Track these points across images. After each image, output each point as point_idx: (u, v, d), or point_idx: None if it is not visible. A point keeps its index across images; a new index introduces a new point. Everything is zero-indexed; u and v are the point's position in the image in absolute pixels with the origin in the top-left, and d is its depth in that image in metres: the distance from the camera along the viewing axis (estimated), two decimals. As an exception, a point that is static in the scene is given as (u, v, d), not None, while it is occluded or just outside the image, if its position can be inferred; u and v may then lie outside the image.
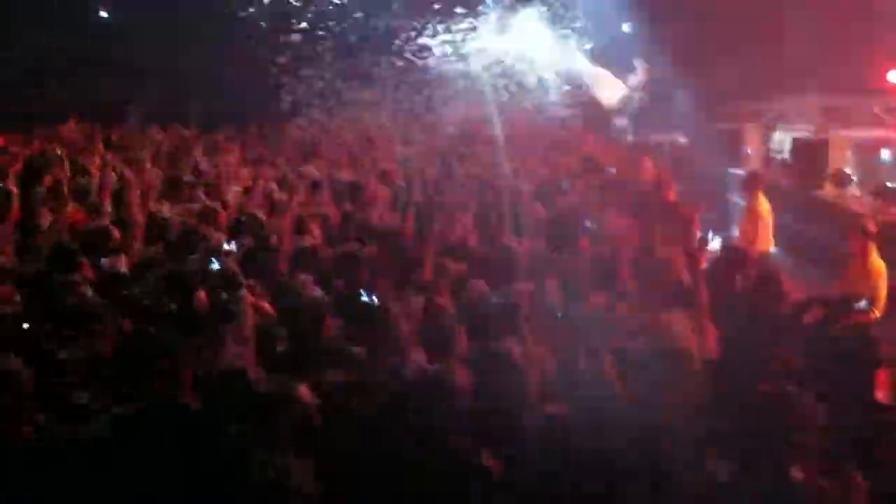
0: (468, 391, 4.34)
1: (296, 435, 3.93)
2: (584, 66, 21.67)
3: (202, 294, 5.61)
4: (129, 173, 9.70)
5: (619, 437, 4.11)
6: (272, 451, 3.83)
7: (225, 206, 9.23)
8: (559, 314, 5.52)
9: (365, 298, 5.38)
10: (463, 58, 21.78)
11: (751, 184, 10.62)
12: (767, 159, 16.45)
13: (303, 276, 6.09)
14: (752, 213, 10.18)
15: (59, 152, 9.78)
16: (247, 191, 10.28)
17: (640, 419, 4.09)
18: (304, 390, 4.05)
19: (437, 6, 21.55)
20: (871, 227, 8.06)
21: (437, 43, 21.89)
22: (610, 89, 21.53)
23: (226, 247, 7.08)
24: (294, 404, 3.96)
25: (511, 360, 4.56)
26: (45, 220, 8.18)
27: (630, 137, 19.77)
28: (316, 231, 8.07)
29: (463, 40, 21.65)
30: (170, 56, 22.60)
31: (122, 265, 6.92)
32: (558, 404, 4.27)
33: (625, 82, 21.43)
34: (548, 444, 3.94)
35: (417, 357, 4.48)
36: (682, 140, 18.80)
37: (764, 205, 10.20)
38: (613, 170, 12.39)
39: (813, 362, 5.02)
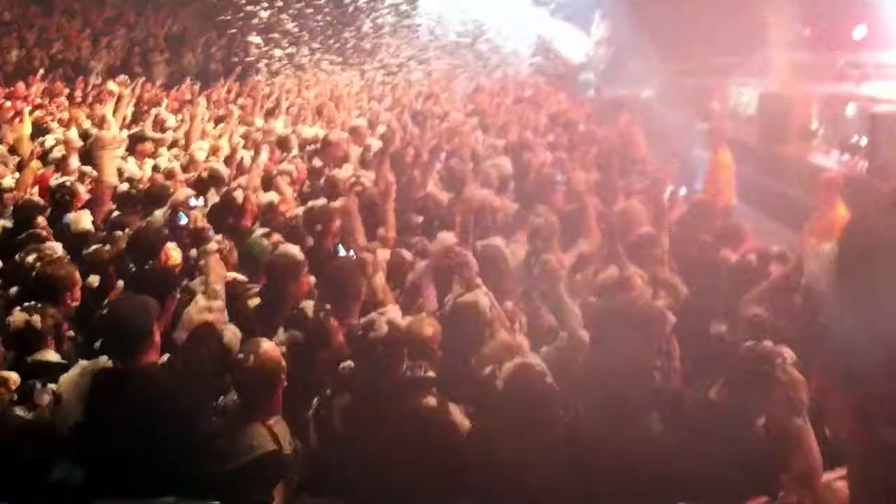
0: (438, 343, 4.39)
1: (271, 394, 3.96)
2: (547, 20, 21.62)
3: (167, 250, 5.59)
4: (94, 130, 9.59)
5: (584, 384, 4.19)
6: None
7: (192, 161, 9.17)
8: (528, 268, 5.53)
9: (340, 253, 5.37)
10: (427, 14, 21.77)
11: (715, 138, 10.72)
12: (734, 114, 16.51)
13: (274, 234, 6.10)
14: (715, 167, 10.27)
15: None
16: (213, 148, 10.18)
17: (606, 370, 4.14)
18: (272, 348, 4.06)
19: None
20: (837, 180, 8.16)
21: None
22: (573, 44, 21.52)
23: (192, 202, 7.02)
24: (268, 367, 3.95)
25: (477, 309, 4.60)
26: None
27: (594, 92, 19.76)
28: (284, 187, 8.02)
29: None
30: (135, 9, 22.37)
31: (87, 223, 6.86)
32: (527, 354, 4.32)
33: (588, 36, 21.41)
34: (515, 395, 3.98)
35: (390, 310, 4.49)
36: (648, 94, 18.82)
37: (727, 158, 10.30)
38: (581, 126, 12.39)
39: (781, 314, 5.09)
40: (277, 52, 21.74)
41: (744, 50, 16.63)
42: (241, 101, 15.24)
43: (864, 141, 12.03)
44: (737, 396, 4.07)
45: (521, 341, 4.70)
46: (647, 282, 5.32)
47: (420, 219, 7.02)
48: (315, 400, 4.35)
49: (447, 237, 5.53)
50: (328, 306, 4.74)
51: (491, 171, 8.04)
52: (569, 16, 21.77)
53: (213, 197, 7.68)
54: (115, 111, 10.00)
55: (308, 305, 4.70)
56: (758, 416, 3.94)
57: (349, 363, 4.36)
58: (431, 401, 4.18)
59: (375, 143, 9.89)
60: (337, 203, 6.45)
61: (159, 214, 6.96)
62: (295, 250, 5.28)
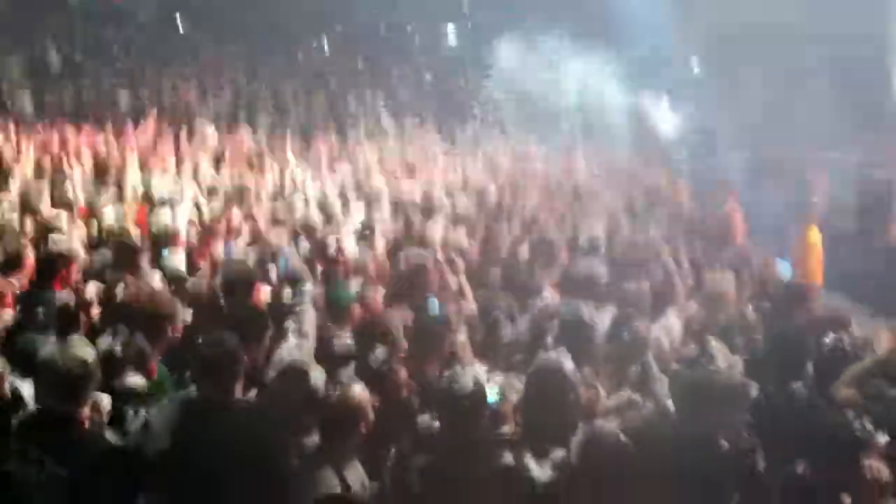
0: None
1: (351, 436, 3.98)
2: (642, 95, 22.02)
3: (263, 291, 5.72)
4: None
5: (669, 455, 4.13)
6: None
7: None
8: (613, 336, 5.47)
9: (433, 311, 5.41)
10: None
11: (806, 218, 10.60)
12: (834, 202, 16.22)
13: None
14: (804, 245, 10.11)
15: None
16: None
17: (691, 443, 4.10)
18: (360, 391, 4.09)
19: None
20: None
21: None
22: (667, 121, 21.75)
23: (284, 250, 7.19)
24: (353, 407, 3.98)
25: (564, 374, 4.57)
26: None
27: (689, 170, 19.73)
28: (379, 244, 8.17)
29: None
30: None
31: (181, 261, 7.08)
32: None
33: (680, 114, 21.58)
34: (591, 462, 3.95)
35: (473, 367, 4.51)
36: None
37: (815, 237, 10.14)
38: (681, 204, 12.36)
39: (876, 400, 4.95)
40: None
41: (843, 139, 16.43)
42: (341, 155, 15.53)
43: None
44: (823, 473, 3.96)
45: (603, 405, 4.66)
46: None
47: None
48: (392, 454, 4.33)
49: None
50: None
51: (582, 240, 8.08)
52: (666, 93, 22.01)
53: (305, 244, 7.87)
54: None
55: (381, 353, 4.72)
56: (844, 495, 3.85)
57: (427, 419, 4.36)
58: (509, 458, 4.14)
59: (464, 203, 10.06)
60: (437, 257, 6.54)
61: (252, 255, 7.14)
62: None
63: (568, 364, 4.68)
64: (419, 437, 4.33)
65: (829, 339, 5.82)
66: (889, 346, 5.30)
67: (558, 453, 4.18)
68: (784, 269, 8.27)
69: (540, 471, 4.13)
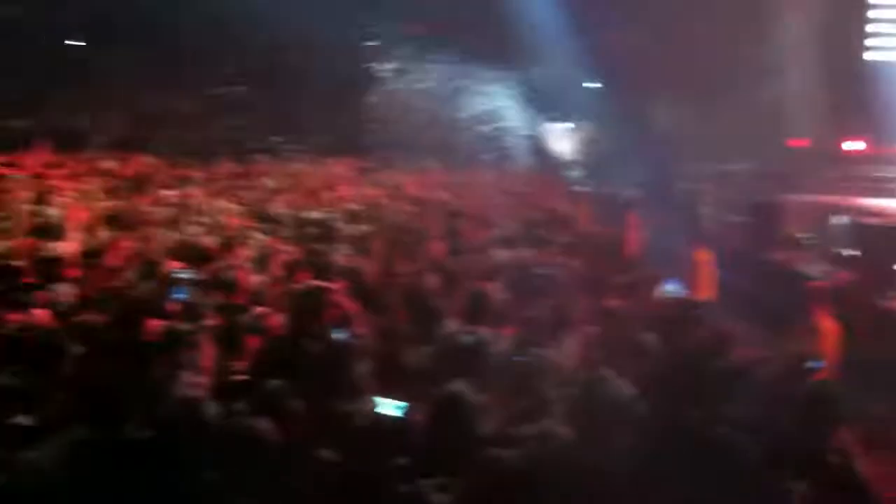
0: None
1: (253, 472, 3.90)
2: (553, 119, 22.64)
3: (156, 323, 5.56)
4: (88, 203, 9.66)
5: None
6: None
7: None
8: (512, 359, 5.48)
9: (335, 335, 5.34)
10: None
11: (694, 237, 10.96)
12: (724, 220, 16.75)
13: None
14: (695, 263, 10.44)
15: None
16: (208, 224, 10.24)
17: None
18: (265, 426, 4.01)
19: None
20: (821, 290, 8.27)
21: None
22: (563, 141, 22.36)
23: (183, 275, 7.03)
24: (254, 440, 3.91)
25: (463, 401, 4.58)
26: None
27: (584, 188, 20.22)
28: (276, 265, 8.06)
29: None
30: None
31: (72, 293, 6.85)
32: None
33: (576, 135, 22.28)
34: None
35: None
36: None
37: (706, 255, 10.49)
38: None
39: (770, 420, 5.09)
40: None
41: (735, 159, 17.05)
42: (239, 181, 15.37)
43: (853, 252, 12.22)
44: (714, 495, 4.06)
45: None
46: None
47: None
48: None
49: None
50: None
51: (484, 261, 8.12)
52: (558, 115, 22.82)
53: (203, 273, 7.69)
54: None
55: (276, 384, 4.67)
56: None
57: (328, 453, 4.31)
58: (406, 489, 4.12)
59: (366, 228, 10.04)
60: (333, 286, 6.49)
61: (147, 287, 6.96)
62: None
63: (469, 393, 4.73)
64: (319, 469, 4.28)
65: (722, 359, 6.02)
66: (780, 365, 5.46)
67: (459, 482, 4.18)
68: (677, 290, 8.50)
69: (440, 498, 4.13)
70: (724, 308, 9.96)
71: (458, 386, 4.70)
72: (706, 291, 10.08)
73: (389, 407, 4.65)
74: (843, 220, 14.11)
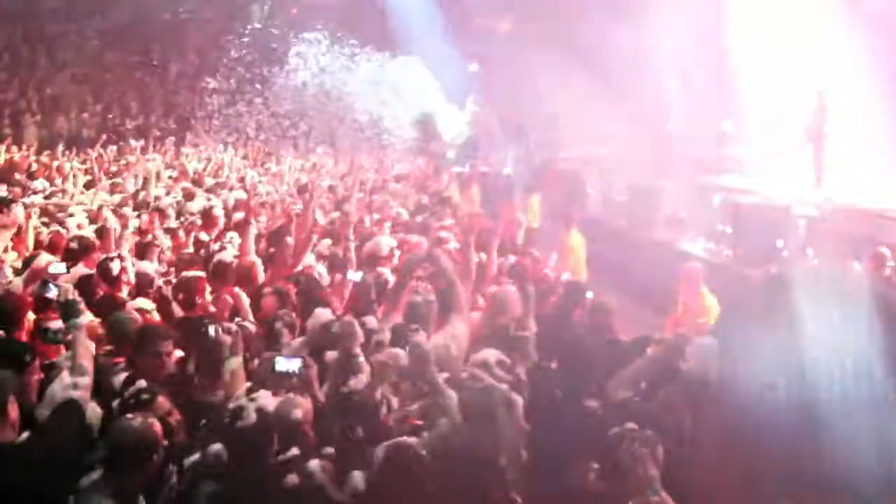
0: (309, 424, 4.37)
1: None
2: (438, 102, 22.76)
3: (30, 321, 5.39)
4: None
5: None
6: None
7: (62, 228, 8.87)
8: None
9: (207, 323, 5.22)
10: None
11: (565, 220, 11.11)
12: (607, 200, 17.12)
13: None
14: (565, 247, 10.60)
15: None
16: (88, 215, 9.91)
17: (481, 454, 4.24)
18: (151, 423, 3.91)
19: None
20: (697, 272, 8.54)
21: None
22: (449, 123, 22.71)
23: (54, 269, 6.80)
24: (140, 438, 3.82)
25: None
26: None
27: (462, 168, 20.43)
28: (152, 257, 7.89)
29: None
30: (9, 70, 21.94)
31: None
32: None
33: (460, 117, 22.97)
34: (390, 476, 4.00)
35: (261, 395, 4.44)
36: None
37: (577, 239, 10.66)
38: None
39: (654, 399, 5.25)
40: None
41: (612, 140, 17.44)
42: (114, 168, 14.91)
43: (728, 229, 12.67)
44: (613, 480, 4.18)
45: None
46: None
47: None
48: (177, 484, 4.23)
49: (323, 313, 5.51)
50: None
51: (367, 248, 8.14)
52: (453, 97, 22.90)
53: (81, 267, 7.44)
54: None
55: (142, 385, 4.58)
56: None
57: (216, 448, 4.24)
58: (294, 479, 4.14)
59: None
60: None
61: (18, 282, 6.70)
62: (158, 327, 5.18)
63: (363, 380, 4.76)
64: (206, 465, 4.22)
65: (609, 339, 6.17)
66: (658, 348, 5.61)
67: (356, 473, 4.20)
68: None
69: (335, 489, 4.13)
70: (607, 287, 10.21)
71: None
72: (578, 275, 10.26)
73: (286, 363, 4.70)
74: (719, 198, 14.62)
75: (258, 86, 23.53)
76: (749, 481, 4.62)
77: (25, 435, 4.01)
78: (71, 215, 9.78)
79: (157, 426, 3.92)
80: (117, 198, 11.23)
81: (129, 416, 3.96)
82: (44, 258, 7.42)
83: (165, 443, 3.99)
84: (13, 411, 3.95)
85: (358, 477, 4.16)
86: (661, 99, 18.80)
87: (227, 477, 4.13)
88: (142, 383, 4.56)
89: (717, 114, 18.70)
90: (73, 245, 7.90)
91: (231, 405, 4.36)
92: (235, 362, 4.94)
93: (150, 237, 8.33)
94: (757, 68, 17.04)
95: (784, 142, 16.39)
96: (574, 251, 10.66)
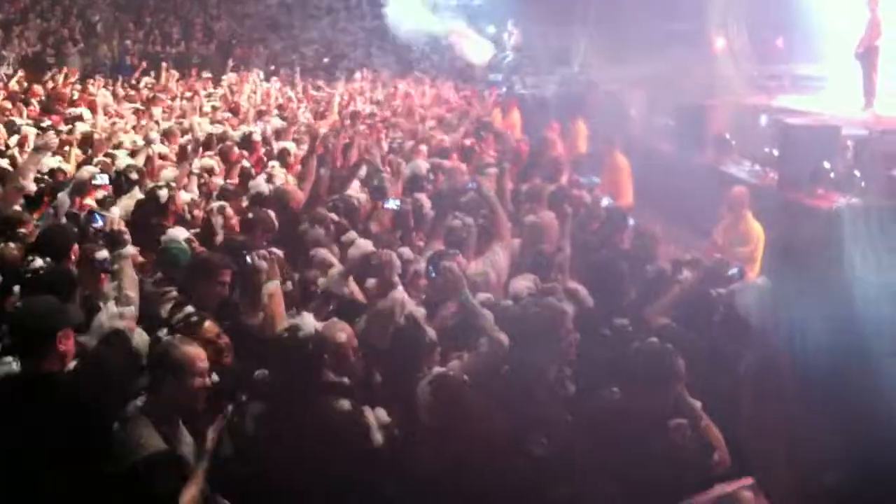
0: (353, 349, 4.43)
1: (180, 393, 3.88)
2: (457, 26, 22.62)
3: (77, 250, 5.46)
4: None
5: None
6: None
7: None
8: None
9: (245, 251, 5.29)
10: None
11: (608, 143, 10.96)
12: (651, 122, 16.84)
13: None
14: (609, 171, 10.47)
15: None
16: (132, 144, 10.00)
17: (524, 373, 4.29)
18: (198, 352, 3.96)
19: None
20: (744, 194, 8.41)
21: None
22: (480, 48, 22.59)
23: (98, 180, 6.89)
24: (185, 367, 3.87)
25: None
26: None
27: (505, 90, 20.23)
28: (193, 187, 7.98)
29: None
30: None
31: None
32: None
33: (497, 42, 22.99)
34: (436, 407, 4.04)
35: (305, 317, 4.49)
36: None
37: (622, 160, 10.53)
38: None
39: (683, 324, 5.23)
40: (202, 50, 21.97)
41: (657, 59, 17.04)
42: (159, 95, 14.98)
43: (775, 152, 12.42)
44: (637, 397, 4.19)
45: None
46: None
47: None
48: (230, 407, 4.28)
49: (364, 243, 5.55)
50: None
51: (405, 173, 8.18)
52: (478, 21, 23.05)
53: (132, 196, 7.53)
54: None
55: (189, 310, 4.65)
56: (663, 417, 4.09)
57: (263, 371, 4.34)
58: (345, 404, 4.17)
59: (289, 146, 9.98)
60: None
61: (64, 197, 6.77)
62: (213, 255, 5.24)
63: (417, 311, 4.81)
64: (255, 385, 4.30)
65: (651, 266, 6.14)
66: (693, 274, 5.59)
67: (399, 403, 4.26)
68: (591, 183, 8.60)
69: (379, 417, 4.20)
70: (650, 211, 10.13)
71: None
72: (625, 196, 10.16)
73: None
74: (765, 119, 14.30)
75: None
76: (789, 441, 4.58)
77: (73, 364, 4.10)
78: (118, 146, 9.89)
79: (200, 350, 3.97)
80: (163, 126, 11.32)
81: (171, 338, 4.04)
82: (87, 170, 7.51)
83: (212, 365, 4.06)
84: (64, 342, 4.01)
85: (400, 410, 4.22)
86: (709, 16, 18.31)
87: (274, 398, 4.21)
88: (189, 309, 4.66)
89: (769, 30, 18.28)
90: (121, 174, 8.00)
91: (277, 328, 4.39)
92: (273, 286, 5.02)
93: (188, 165, 8.37)
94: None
95: (837, 58, 15.91)
96: (618, 173, 10.54)
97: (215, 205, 7.22)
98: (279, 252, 5.79)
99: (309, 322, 4.38)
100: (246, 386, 4.35)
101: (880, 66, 14.21)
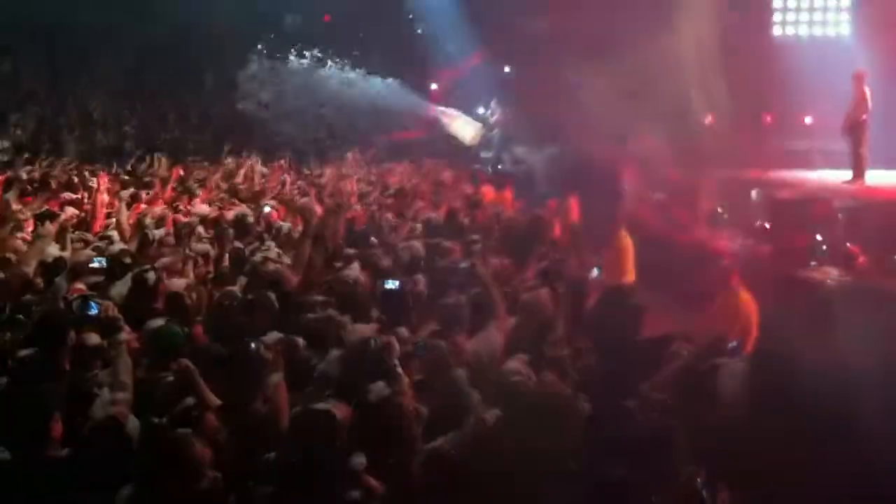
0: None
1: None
2: (433, 107, 23.37)
3: (74, 337, 5.44)
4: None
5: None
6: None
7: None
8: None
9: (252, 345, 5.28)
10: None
11: (609, 220, 11.03)
12: (644, 198, 16.97)
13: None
14: (612, 248, 10.50)
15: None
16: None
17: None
18: (192, 442, 3.95)
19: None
20: (733, 268, 8.44)
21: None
22: (468, 127, 23.45)
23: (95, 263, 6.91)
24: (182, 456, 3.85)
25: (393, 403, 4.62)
26: None
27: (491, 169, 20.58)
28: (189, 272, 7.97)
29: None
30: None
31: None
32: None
33: (484, 120, 23.68)
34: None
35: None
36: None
37: (626, 239, 10.57)
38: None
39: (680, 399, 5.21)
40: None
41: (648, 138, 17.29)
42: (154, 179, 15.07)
43: (767, 225, 12.51)
44: (639, 472, 4.15)
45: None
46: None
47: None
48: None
49: (361, 328, 5.54)
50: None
51: (403, 254, 8.18)
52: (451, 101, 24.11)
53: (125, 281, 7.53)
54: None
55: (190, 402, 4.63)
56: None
57: (272, 454, 4.30)
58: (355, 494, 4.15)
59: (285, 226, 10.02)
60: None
61: (60, 282, 6.77)
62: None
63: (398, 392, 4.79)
64: (263, 469, 4.27)
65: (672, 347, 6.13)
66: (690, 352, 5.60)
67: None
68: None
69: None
70: (645, 286, 10.13)
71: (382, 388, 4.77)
72: (629, 274, 10.17)
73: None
74: (756, 193, 14.42)
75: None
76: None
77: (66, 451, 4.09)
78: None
79: (198, 446, 3.95)
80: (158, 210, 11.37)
81: (185, 431, 4.02)
82: (84, 253, 7.53)
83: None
84: (57, 427, 4.02)
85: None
86: (697, 94, 18.63)
87: (286, 481, 4.16)
88: (189, 400, 4.63)
89: (758, 106, 18.60)
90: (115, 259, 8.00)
91: (282, 420, 4.44)
92: (277, 377, 4.97)
93: (184, 251, 8.37)
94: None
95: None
96: (621, 252, 10.57)
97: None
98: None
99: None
100: (253, 471, 4.30)
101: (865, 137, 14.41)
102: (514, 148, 22.14)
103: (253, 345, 5.07)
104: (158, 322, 5.85)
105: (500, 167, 21.32)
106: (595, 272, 8.17)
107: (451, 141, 23.40)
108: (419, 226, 10.48)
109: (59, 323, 5.66)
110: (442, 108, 23.68)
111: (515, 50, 22.97)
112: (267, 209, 10.71)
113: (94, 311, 5.67)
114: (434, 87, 24.95)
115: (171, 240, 8.89)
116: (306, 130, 23.74)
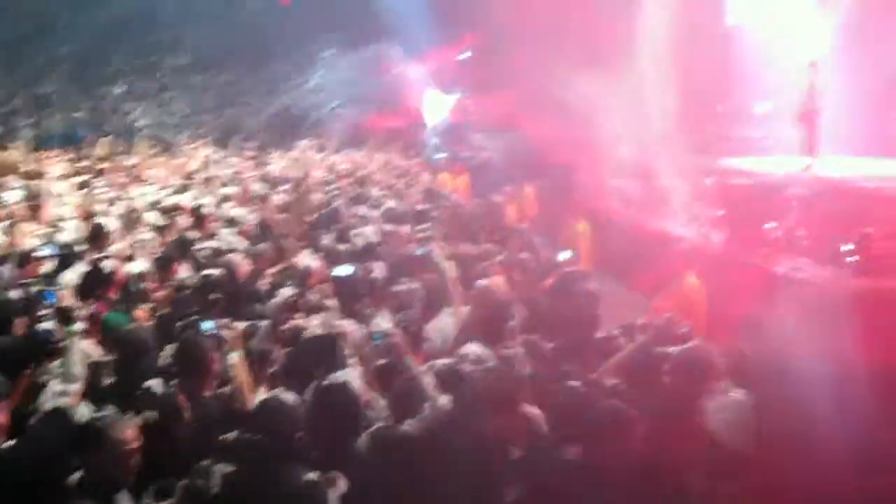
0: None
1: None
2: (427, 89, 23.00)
3: (20, 326, 5.40)
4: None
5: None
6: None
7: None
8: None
9: (206, 327, 5.24)
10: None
11: (565, 208, 11.15)
12: (600, 185, 17.04)
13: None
14: (568, 236, 10.60)
15: None
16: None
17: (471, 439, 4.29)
18: (124, 427, 3.94)
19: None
20: (688, 253, 8.54)
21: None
22: (435, 110, 23.65)
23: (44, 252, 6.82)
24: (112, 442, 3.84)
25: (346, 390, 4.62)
26: None
27: (445, 157, 20.60)
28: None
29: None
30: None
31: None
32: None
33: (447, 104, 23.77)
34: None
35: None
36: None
37: (582, 227, 10.67)
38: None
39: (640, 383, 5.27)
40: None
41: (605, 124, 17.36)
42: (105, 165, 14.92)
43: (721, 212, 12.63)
44: (597, 455, 4.22)
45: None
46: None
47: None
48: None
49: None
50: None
51: (357, 241, 8.17)
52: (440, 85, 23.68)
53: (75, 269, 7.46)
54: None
55: (156, 383, 4.58)
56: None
57: (233, 433, 4.29)
58: (312, 475, 4.13)
59: (246, 214, 9.96)
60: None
61: (3, 269, 6.70)
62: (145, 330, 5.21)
63: (351, 379, 4.79)
64: (223, 448, 4.25)
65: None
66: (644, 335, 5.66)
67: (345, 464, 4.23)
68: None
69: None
70: (599, 273, 10.21)
71: (341, 374, 4.78)
72: (586, 259, 10.22)
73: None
74: (710, 180, 14.54)
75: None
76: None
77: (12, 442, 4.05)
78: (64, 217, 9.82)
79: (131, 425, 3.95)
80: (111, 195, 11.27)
81: (110, 417, 4.01)
82: (31, 242, 7.47)
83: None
84: (2, 416, 3.99)
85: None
86: (658, 80, 18.72)
87: (245, 460, 4.15)
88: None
89: (716, 94, 18.75)
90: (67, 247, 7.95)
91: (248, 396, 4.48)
92: (237, 356, 4.97)
93: (141, 237, 8.35)
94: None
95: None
96: (579, 239, 10.66)
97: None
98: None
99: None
100: (210, 451, 4.28)
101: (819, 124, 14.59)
102: (473, 135, 22.10)
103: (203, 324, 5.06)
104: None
105: (442, 155, 21.25)
106: (568, 254, 8.16)
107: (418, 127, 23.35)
108: (377, 213, 10.47)
109: (3, 309, 5.64)
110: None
111: (475, 33, 22.96)
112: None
113: (49, 301, 5.61)
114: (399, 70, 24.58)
115: (121, 226, 8.82)
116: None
